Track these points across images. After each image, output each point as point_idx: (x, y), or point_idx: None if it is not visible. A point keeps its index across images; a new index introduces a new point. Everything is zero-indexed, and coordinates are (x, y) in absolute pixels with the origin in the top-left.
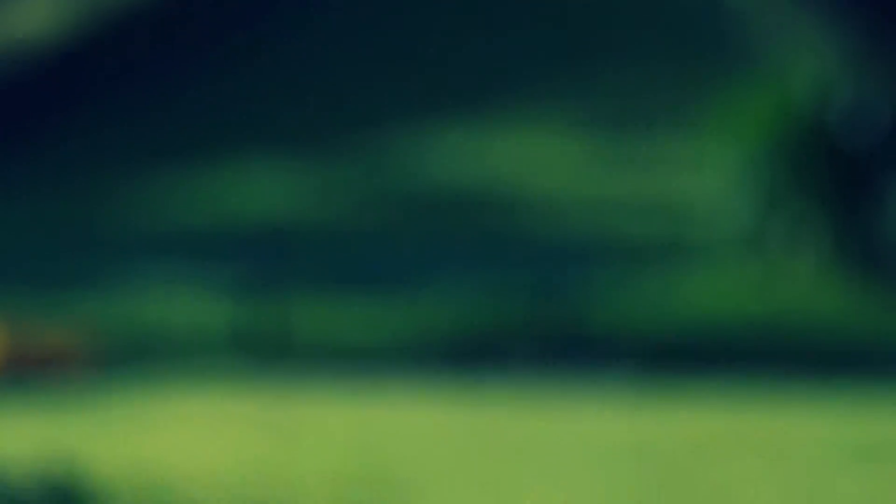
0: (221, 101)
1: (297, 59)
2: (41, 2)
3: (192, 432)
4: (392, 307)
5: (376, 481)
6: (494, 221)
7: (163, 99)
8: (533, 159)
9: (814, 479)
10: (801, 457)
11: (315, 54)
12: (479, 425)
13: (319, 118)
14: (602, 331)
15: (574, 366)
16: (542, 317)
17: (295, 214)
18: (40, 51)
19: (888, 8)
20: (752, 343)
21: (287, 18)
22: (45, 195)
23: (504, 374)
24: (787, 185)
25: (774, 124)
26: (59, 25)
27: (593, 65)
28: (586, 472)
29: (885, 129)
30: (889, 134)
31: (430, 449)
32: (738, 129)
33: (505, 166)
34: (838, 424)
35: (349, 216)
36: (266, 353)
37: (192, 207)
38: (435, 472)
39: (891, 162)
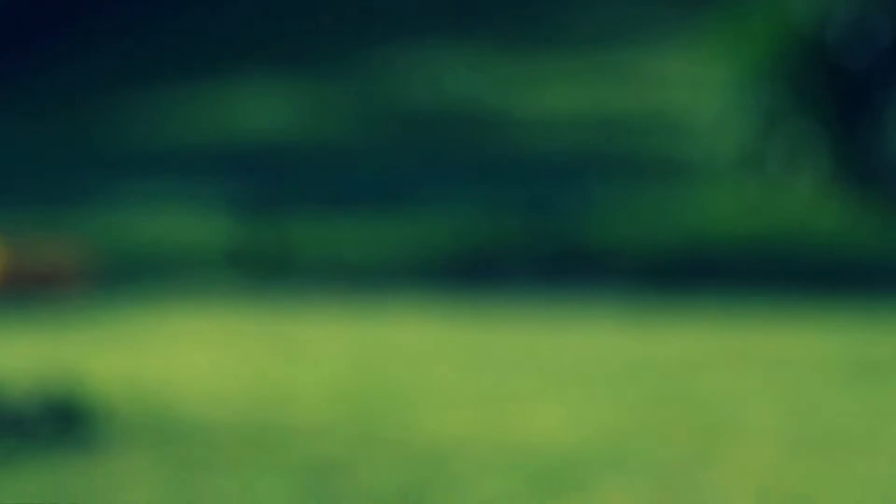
0: (219, 20)
1: None
2: None
3: (191, 350)
4: (390, 225)
5: (376, 398)
6: (491, 138)
7: (160, 18)
8: (530, 76)
9: (814, 394)
10: (801, 373)
11: None
12: (478, 341)
13: (317, 37)
14: (600, 247)
15: (572, 282)
16: (540, 233)
17: (293, 132)
18: None
19: None
20: (751, 261)
21: None
22: (42, 114)
23: (502, 291)
24: (786, 104)
25: (773, 42)
26: None
27: None
28: (585, 387)
29: (884, 48)
30: (889, 52)
31: (428, 365)
32: (737, 46)
33: (502, 83)
34: (839, 342)
35: (346, 134)
36: (264, 271)
37: (189, 126)
38: (434, 388)
39: (890, 80)
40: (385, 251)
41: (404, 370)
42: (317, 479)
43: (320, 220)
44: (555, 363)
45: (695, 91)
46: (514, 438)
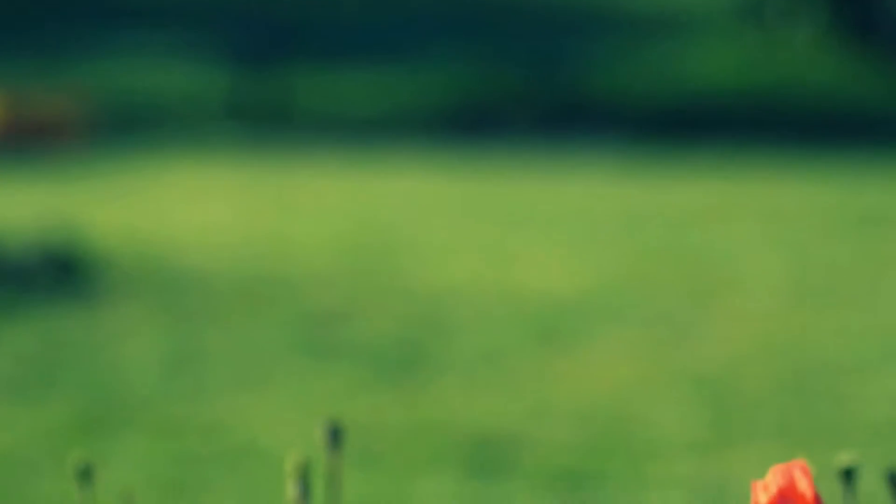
0: None
1: None
2: None
3: (190, 201)
4: (390, 77)
5: (375, 250)
6: None
7: None
8: None
9: (813, 245)
10: (800, 224)
11: None
12: (477, 193)
13: None
14: (600, 99)
15: (571, 134)
16: (540, 86)
17: None
18: None
19: None
20: (750, 112)
21: None
22: None
23: (502, 143)
24: None
25: None
26: None
27: None
28: (584, 238)
29: None
30: None
31: (428, 217)
32: None
33: None
34: (838, 193)
35: None
36: (263, 123)
37: None
38: (433, 240)
39: None
40: (385, 103)
41: (404, 222)
42: (315, 330)
43: (320, 73)
44: (554, 215)
45: None
46: (514, 289)
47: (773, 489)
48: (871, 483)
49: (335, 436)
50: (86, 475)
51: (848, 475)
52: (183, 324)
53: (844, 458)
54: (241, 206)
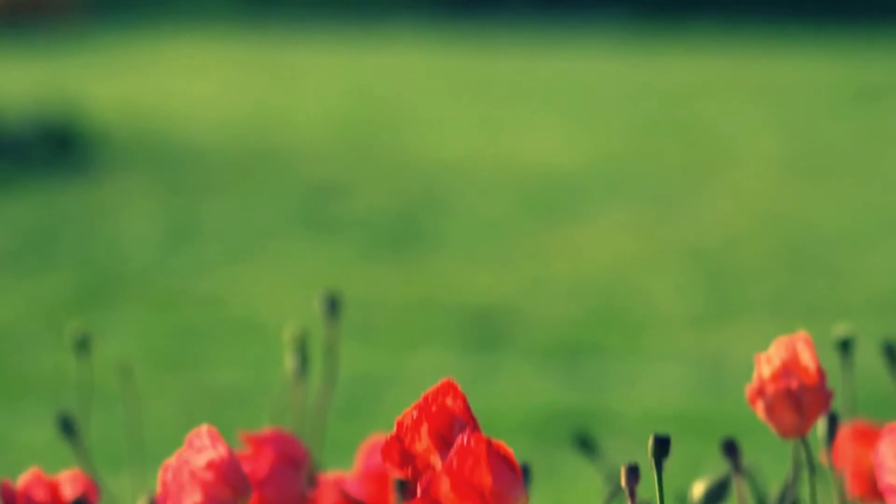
0: None
1: None
2: None
3: (188, 76)
4: None
5: (373, 123)
6: None
7: None
8: None
9: (813, 121)
10: (800, 98)
11: None
12: (475, 68)
13: None
14: None
15: (570, 9)
16: None
17: None
18: None
19: None
20: None
21: None
22: None
23: (499, 16)
24: None
25: None
26: None
27: None
28: (583, 113)
29: None
30: None
31: (425, 91)
32: None
33: None
34: (838, 69)
35: None
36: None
37: None
38: (431, 114)
39: None
40: None
41: (401, 96)
42: (312, 204)
43: None
44: (552, 89)
45: None
46: (511, 163)
47: (777, 362)
48: (868, 355)
49: (333, 306)
50: (83, 346)
51: (845, 346)
52: (180, 197)
53: (841, 330)
54: (239, 80)
